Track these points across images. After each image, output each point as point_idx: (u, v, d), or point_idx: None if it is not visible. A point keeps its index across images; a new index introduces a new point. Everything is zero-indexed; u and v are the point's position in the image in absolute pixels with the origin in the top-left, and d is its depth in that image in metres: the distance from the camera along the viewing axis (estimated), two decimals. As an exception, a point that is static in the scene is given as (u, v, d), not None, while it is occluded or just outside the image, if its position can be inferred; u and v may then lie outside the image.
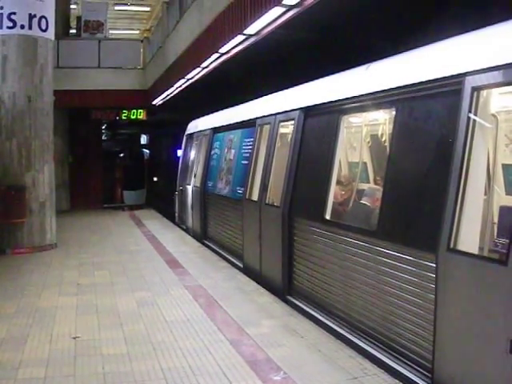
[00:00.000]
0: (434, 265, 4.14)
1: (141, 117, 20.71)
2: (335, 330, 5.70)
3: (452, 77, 4.25)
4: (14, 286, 8.02)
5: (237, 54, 10.06)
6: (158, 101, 18.55)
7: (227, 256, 9.88)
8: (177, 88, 15.55)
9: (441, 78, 4.39)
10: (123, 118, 20.76)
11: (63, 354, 5.24)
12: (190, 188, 13.20)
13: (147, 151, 29.03)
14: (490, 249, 4.20)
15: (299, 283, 6.89)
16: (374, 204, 5.97)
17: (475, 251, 3.94)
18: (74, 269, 9.24)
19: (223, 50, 10.07)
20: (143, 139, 35.03)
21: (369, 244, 5.20)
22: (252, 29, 8.39)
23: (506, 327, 3.46)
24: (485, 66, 3.89)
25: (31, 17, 10.80)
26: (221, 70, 11.68)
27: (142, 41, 22.08)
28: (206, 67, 11.98)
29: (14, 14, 10.71)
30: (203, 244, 11.55)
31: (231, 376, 4.67)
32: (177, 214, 15.19)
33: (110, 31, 25.03)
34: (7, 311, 6.68)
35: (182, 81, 14.34)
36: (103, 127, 26.16)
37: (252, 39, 8.97)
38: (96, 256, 10.46)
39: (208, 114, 12.99)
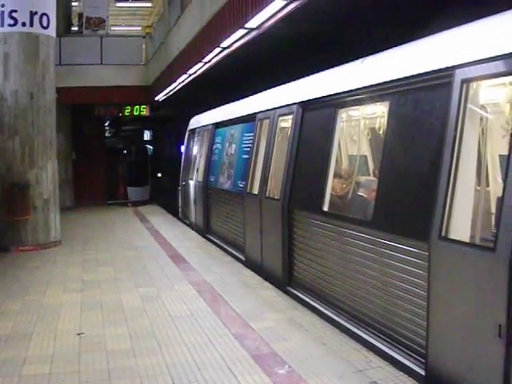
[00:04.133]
0: (427, 253, 4.21)
1: (144, 113, 20.75)
2: (340, 323, 5.70)
3: (442, 70, 4.32)
4: (19, 283, 8.04)
5: (239, 48, 10.03)
6: (160, 97, 18.53)
7: (230, 249, 9.90)
8: (179, 83, 15.52)
9: (432, 71, 4.46)
10: (126, 114, 20.83)
11: (68, 350, 5.25)
12: (192, 183, 13.20)
13: (151, 147, 29.00)
14: (479, 237, 4.27)
15: (299, 274, 6.93)
16: (370, 195, 6.03)
17: (466, 239, 4.00)
18: (79, 265, 9.25)
19: (225, 44, 10.03)
20: (146, 135, 35.02)
21: (365, 234, 5.26)
22: (253, 22, 8.36)
23: (496, 313, 3.51)
24: (473, 59, 3.94)
25: (32, 14, 10.78)
26: (223, 64, 11.65)
27: (143, 37, 22.09)
28: (208, 62, 11.93)
29: (15, 11, 10.69)
30: (206, 238, 11.56)
31: (236, 370, 4.67)
32: (180, 210, 15.19)
33: (112, 28, 25.03)
34: (12, 308, 6.69)
35: (185, 76, 14.30)
36: (106, 124, 26.18)
37: (253, 33, 8.94)
38: (100, 252, 10.48)
39: (210, 109, 12.97)
